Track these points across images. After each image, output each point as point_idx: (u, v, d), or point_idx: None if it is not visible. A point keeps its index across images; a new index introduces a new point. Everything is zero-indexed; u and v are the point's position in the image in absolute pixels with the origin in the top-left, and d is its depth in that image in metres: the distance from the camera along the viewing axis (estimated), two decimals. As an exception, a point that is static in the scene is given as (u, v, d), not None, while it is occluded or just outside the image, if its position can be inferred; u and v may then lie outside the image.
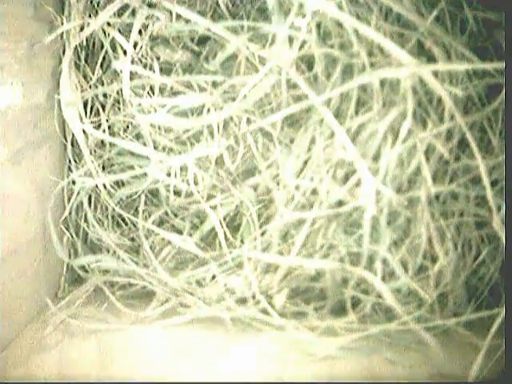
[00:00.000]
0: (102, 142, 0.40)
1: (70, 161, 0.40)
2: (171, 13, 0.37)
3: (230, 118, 0.38)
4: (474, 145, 0.30)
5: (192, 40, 0.40)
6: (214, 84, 0.38)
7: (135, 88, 0.39)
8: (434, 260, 0.34)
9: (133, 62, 0.38)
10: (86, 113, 0.39)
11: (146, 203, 0.41)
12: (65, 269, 0.41)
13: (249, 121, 0.38)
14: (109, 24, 0.38)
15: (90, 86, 0.40)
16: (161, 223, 0.42)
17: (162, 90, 0.39)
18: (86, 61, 0.40)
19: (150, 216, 0.41)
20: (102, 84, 0.40)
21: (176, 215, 0.42)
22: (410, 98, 0.32)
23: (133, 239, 0.42)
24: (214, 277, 0.37)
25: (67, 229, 0.40)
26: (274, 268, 0.36)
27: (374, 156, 0.34)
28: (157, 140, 0.39)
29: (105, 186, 0.40)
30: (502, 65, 0.29)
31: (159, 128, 0.40)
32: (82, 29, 0.38)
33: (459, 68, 0.31)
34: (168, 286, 0.37)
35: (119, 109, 0.40)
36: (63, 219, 0.40)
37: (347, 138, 0.32)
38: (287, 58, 0.33)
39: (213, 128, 0.38)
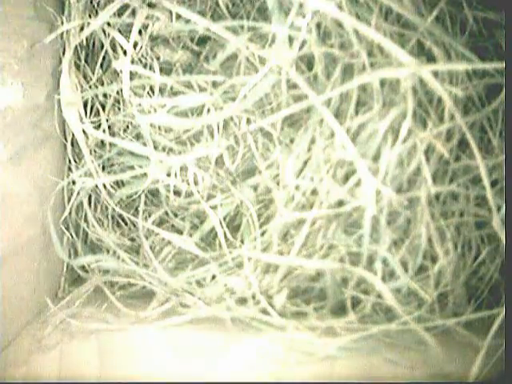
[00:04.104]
0: (102, 142, 0.40)
1: (69, 161, 0.40)
2: (171, 13, 0.37)
3: (230, 118, 0.38)
4: (474, 145, 0.30)
5: (192, 40, 0.40)
6: (214, 84, 0.38)
7: (135, 88, 0.39)
8: (433, 260, 0.34)
9: (133, 62, 0.38)
10: (86, 113, 0.39)
11: (146, 203, 0.42)
12: (65, 269, 0.41)
13: (249, 121, 0.38)
14: (109, 24, 0.38)
15: (90, 86, 0.40)
16: (161, 223, 0.42)
17: (162, 90, 0.39)
18: (86, 61, 0.40)
19: (150, 216, 0.41)
20: (102, 84, 0.40)
21: (176, 215, 0.42)
22: (410, 98, 0.32)
23: (133, 239, 0.42)
24: (214, 277, 0.37)
25: (67, 229, 0.40)
26: (274, 268, 0.36)
27: (374, 156, 0.34)
28: (157, 140, 0.39)
29: (105, 186, 0.40)
30: (502, 65, 0.29)
31: (159, 128, 0.40)
32: (82, 29, 0.38)
33: (459, 68, 0.31)
34: (168, 286, 0.37)
35: (119, 109, 0.40)
36: (63, 219, 0.40)
37: (347, 137, 0.32)
38: (287, 58, 0.33)
39: (213, 128, 0.38)
